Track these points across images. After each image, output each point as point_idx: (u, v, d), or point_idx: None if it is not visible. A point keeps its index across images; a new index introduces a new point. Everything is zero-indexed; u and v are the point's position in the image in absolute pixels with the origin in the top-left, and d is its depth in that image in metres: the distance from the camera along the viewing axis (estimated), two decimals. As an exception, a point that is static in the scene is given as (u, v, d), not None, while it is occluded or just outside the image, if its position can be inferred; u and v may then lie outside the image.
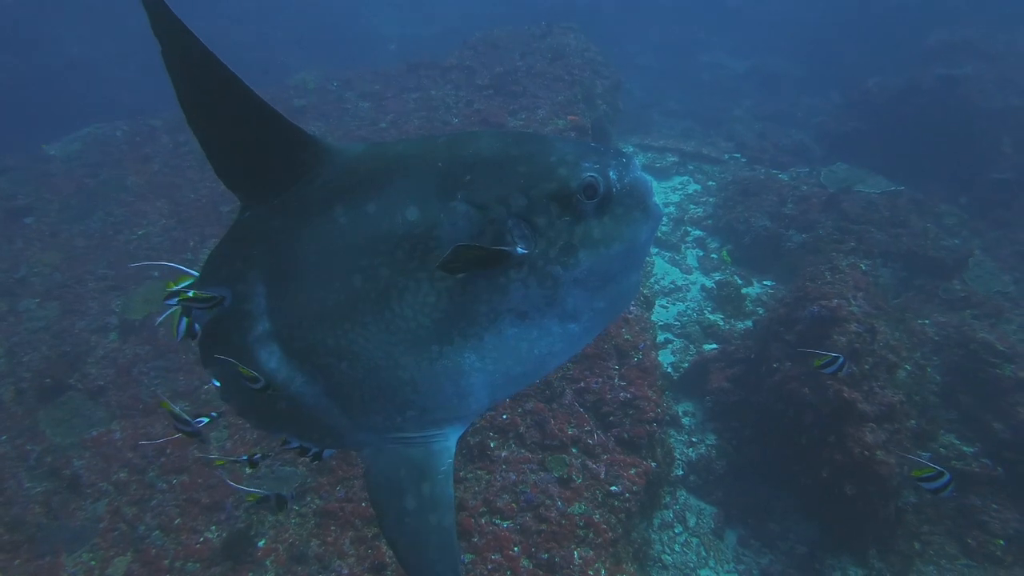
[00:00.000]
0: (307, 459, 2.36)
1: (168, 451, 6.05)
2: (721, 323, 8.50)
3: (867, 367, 5.85)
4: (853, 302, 6.16)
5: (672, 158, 12.51)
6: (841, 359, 4.49)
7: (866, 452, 5.49)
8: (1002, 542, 5.84)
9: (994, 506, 6.02)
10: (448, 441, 2.23)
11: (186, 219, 9.24)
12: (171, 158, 10.99)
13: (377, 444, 2.23)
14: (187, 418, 2.78)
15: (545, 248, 2.05)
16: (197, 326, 2.30)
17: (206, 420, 2.93)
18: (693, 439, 7.11)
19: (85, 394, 6.92)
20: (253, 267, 2.21)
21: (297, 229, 2.17)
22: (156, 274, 8.32)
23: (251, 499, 2.50)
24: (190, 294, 2.20)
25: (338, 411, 2.21)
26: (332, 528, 5.12)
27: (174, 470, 5.93)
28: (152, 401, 6.67)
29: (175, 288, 2.24)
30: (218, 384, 2.29)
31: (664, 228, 10.12)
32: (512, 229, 2.04)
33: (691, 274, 9.57)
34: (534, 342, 2.15)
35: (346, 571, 4.81)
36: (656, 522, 6.21)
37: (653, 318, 7.58)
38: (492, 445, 5.47)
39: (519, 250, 2.04)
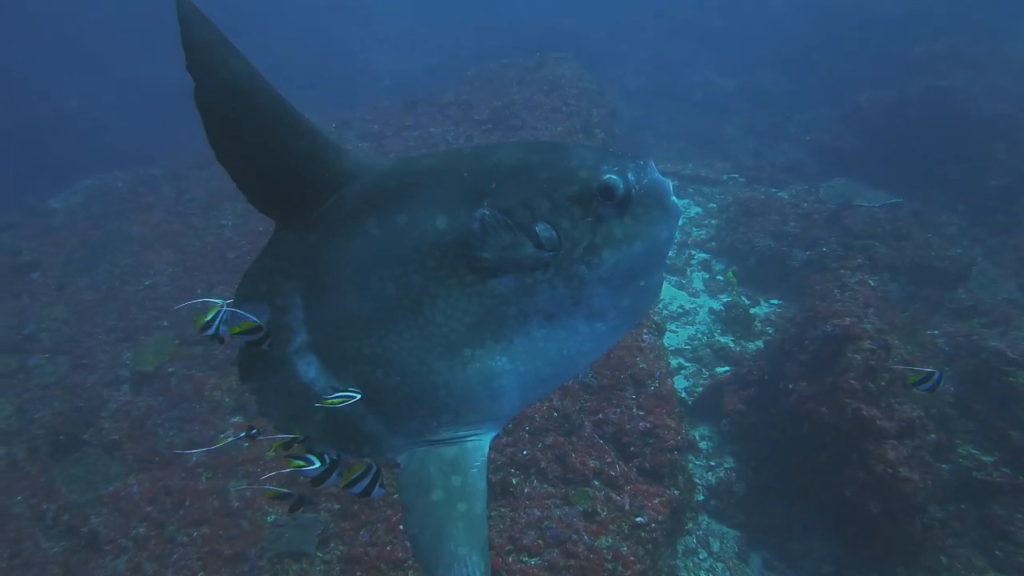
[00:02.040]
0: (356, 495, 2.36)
1: (187, 503, 6.01)
2: (732, 345, 8.52)
3: (883, 383, 5.85)
4: (865, 319, 6.18)
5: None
6: (938, 374, 4.15)
7: (889, 469, 5.47)
8: (1029, 552, 5.79)
9: (1019, 515, 5.97)
10: (482, 440, 2.26)
11: (192, 267, 9.28)
12: (174, 206, 11.07)
13: (412, 448, 2.28)
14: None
15: (570, 249, 2.13)
16: (223, 328, 2.32)
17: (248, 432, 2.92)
18: (712, 463, 7.08)
19: (100, 449, 6.89)
20: (290, 281, 2.29)
21: (331, 243, 2.25)
22: (165, 324, 8.35)
23: (269, 495, 2.48)
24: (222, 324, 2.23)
25: (375, 418, 2.26)
26: (357, 574, 5.06)
27: (194, 522, 5.88)
28: (168, 453, 6.64)
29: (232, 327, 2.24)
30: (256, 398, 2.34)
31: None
32: (537, 232, 2.11)
33: (698, 297, 9.61)
34: (562, 342, 2.21)
35: (375, 619, 4.76)
36: (680, 549, 6.16)
37: (664, 343, 7.59)
38: (514, 482, 5.44)
39: (545, 252, 2.11)
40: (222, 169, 2.19)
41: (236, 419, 6.83)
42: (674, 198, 2.25)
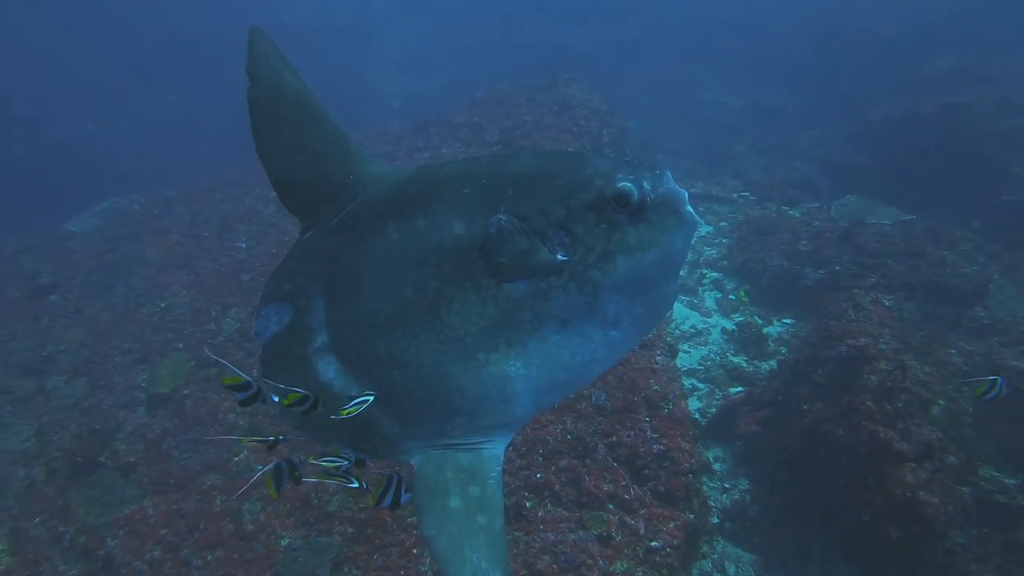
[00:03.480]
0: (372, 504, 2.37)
1: (202, 526, 6.02)
2: (745, 365, 8.46)
3: (900, 405, 5.79)
4: (881, 340, 6.13)
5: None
6: (1001, 381, 4.40)
7: (908, 493, 5.40)
8: (1054, 576, 5.68)
9: (1044, 540, 5.87)
10: (497, 449, 2.29)
11: (207, 289, 9.36)
12: (188, 228, 11.19)
13: (426, 451, 2.30)
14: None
15: (584, 254, 2.16)
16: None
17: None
18: (726, 485, 7.02)
19: (116, 471, 6.93)
20: (313, 282, 2.35)
21: (353, 246, 2.31)
22: (180, 346, 8.41)
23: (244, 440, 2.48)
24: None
25: (390, 420, 2.28)
26: (372, 600, 5.05)
27: (208, 546, 5.88)
28: (183, 475, 6.66)
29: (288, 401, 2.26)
30: (276, 399, 2.36)
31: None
32: (552, 238, 2.15)
33: (711, 317, 9.57)
34: (576, 349, 2.23)
35: (390, 645, 4.73)
36: (695, 573, 6.09)
37: (677, 364, 7.55)
38: (528, 506, 5.42)
39: (559, 257, 2.15)
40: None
41: (251, 442, 6.85)
42: (690, 208, 2.26)
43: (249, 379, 2.22)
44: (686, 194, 2.27)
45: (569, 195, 2.16)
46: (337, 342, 2.30)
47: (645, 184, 2.18)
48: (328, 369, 2.30)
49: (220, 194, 11.81)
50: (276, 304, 2.37)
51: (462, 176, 2.28)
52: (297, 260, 2.41)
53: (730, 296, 9.92)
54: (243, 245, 10.24)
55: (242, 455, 6.68)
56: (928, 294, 8.86)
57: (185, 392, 7.64)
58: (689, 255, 11.00)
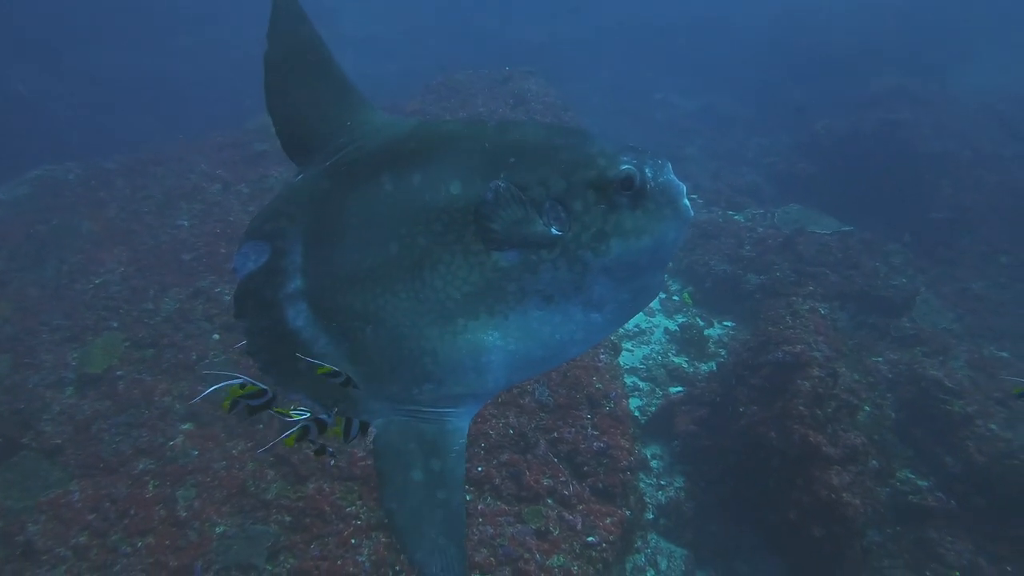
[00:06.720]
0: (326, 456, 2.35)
1: (132, 512, 5.85)
2: (685, 365, 8.68)
3: (830, 410, 6.05)
4: (815, 347, 6.39)
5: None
6: None
7: (832, 495, 5.66)
8: (958, 573, 6.05)
9: (949, 538, 6.25)
10: (462, 421, 2.26)
11: (145, 267, 9.03)
12: (128, 203, 10.75)
13: (390, 415, 2.26)
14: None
15: (578, 232, 2.13)
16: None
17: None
18: (662, 482, 7.21)
19: (40, 453, 6.63)
20: (294, 225, 2.29)
21: (343, 192, 2.26)
22: (115, 325, 8.11)
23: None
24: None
25: (357, 376, 2.22)
26: (307, 590, 5.01)
27: (138, 532, 5.72)
28: (114, 459, 6.44)
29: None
30: (247, 337, 2.33)
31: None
32: (549, 211, 2.12)
33: (654, 316, 9.76)
34: (556, 327, 2.20)
35: (324, 636, 4.71)
36: (628, 567, 6.25)
37: (619, 362, 7.69)
38: (468, 498, 5.45)
39: (553, 231, 2.12)
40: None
41: (186, 426, 6.68)
42: (687, 201, 2.26)
43: (265, 388, 2.14)
44: (684, 188, 2.27)
45: (571, 170, 2.13)
46: (312, 289, 2.23)
47: (647, 171, 2.18)
48: (298, 317, 2.23)
49: (164, 169, 11.38)
50: (255, 243, 2.30)
51: (465, 137, 2.23)
52: (283, 201, 2.35)
53: (674, 297, 10.14)
54: (185, 223, 9.92)
55: (178, 439, 6.51)
56: (860, 304, 9.26)
57: (118, 373, 7.37)
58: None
